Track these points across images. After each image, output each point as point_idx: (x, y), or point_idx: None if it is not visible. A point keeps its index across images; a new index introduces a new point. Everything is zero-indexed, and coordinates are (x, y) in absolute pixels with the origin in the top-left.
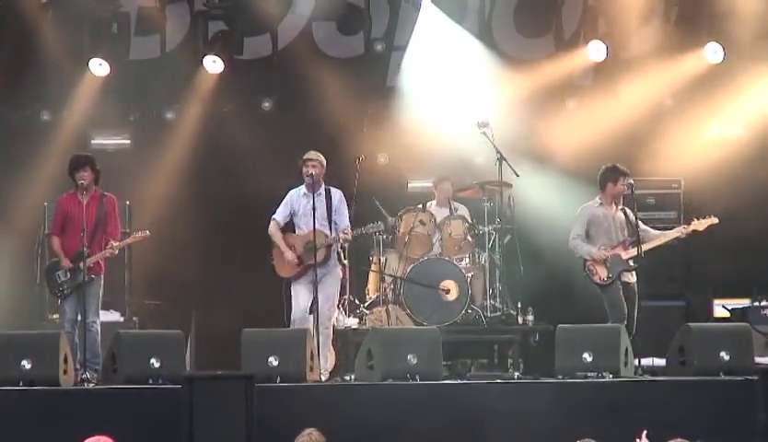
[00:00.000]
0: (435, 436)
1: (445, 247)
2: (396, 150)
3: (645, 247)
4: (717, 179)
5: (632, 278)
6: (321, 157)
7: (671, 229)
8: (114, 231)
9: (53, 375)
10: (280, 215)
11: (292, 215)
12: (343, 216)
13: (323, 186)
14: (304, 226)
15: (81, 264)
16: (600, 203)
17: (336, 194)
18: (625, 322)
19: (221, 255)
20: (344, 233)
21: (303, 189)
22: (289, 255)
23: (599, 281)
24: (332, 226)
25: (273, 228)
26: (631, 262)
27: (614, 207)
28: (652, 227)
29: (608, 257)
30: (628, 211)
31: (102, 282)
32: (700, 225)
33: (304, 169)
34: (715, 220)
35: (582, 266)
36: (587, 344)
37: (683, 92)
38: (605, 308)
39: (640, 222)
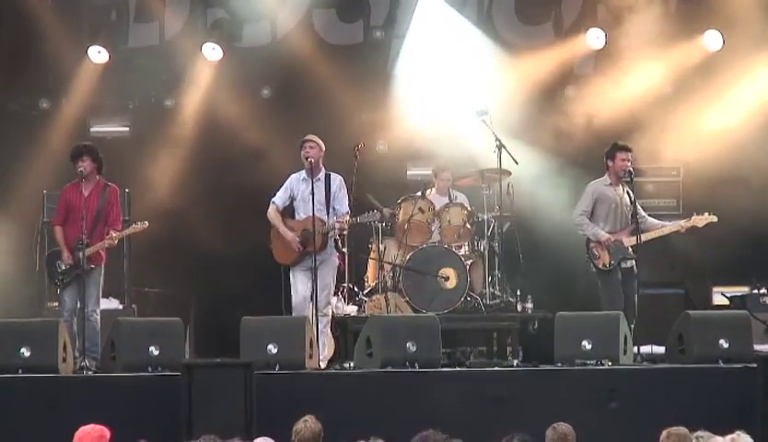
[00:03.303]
0: (433, 424)
1: (444, 234)
2: (395, 138)
3: (644, 237)
4: (717, 166)
5: (631, 263)
6: (320, 140)
7: (670, 218)
8: (116, 222)
9: (52, 362)
10: (279, 199)
11: (292, 199)
12: (341, 202)
13: (323, 171)
14: (302, 212)
15: (81, 254)
16: (610, 183)
17: (336, 180)
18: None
19: (220, 242)
20: (340, 221)
21: (303, 173)
22: (290, 236)
23: (601, 266)
24: (331, 211)
25: (271, 212)
26: (631, 251)
27: (621, 188)
28: (652, 215)
29: (612, 243)
30: (631, 194)
31: (103, 272)
32: (699, 221)
33: (302, 152)
34: (714, 218)
35: (585, 246)
36: (587, 332)
37: (683, 80)
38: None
39: (640, 209)
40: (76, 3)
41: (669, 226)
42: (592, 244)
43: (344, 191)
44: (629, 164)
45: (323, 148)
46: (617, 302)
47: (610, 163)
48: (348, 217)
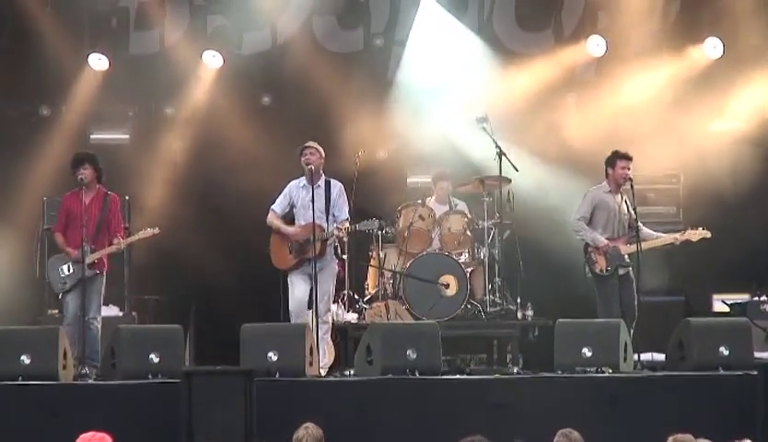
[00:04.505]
0: (433, 432)
1: (444, 242)
2: (396, 145)
3: (642, 246)
4: (717, 173)
5: (626, 270)
6: (320, 147)
7: (670, 225)
8: (117, 230)
9: (52, 370)
10: (278, 205)
11: (291, 206)
12: (341, 209)
13: (323, 178)
14: (302, 219)
15: (84, 260)
16: (609, 191)
17: (335, 186)
18: (620, 317)
19: (220, 250)
20: (338, 229)
21: (303, 180)
22: (292, 230)
23: (598, 271)
24: (330, 218)
25: (271, 217)
26: (627, 258)
27: (620, 196)
28: (651, 222)
29: (610, 248)
30: (629, 203)
31: (104, 279)
32: (693, 236)
33: (303, 159)
34: (708, 234)
35: (583, 250)
36: (587, 339)
37: (683, 87)
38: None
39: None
40: (77, 10)
41: (663, 238)
42: (590, 249)
43: (344, 197)
44: (629, 172)
45: (323, 155)
46: (613, 307)
47: (610, 170)
48: (348, 225)
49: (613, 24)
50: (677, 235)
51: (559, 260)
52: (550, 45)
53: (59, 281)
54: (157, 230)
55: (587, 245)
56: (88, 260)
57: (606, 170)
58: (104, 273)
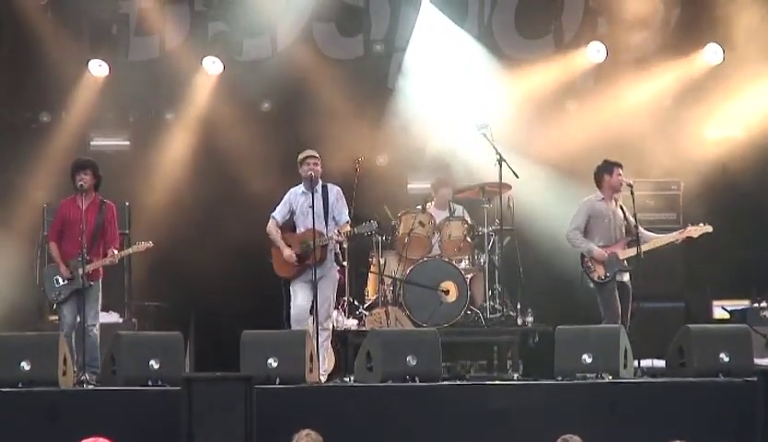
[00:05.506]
0: (434, 438)
1: (444, 248)
2: (396, 151)
3: (642, 248)
4: (717, 180)
5: (626, 277)
6: (318, 155)
7: (670, 231)
8: (113, 239)
9: (52, 376)
10: (279, 213)
11: (291, 213)
12: (341, 213)
13: (320, 183)
14: (302, 225)
15: (80, 271)
16: (602, 199)
17: (333, 190)
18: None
19: (220, 256)
20: (337, 234)
21: (302, 187)
22: (287, 252)
23: (596, 278)
24: (330, 223)
25: (271, 227)
26: (626, 263)
27: (614, 203)
28: (651, 228)
29: (606, 257)
30: (625, 208)
31: (101, 286)
32: (694, 231)
33: (304, 168)
34: (709, 228)
35: (580, 260)
36: (587, 346)
37: (683, 93)
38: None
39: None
40: (77, 16)
41: (664, 238)
42: (586, 258)
43: (343, 201)
44: (622, 177)
45: (321, 162)
46: (614, 311)
47: (607, 177)
48: (348, 227)
49: (613, 30)
50: (677, 233)
51: (559, 266)
52: (550, 51)
53: (53, 291)
54: (150, 244)
55: (583, 254)
56: (82, 272)
57: (601, 179)
58: (100, 281)
